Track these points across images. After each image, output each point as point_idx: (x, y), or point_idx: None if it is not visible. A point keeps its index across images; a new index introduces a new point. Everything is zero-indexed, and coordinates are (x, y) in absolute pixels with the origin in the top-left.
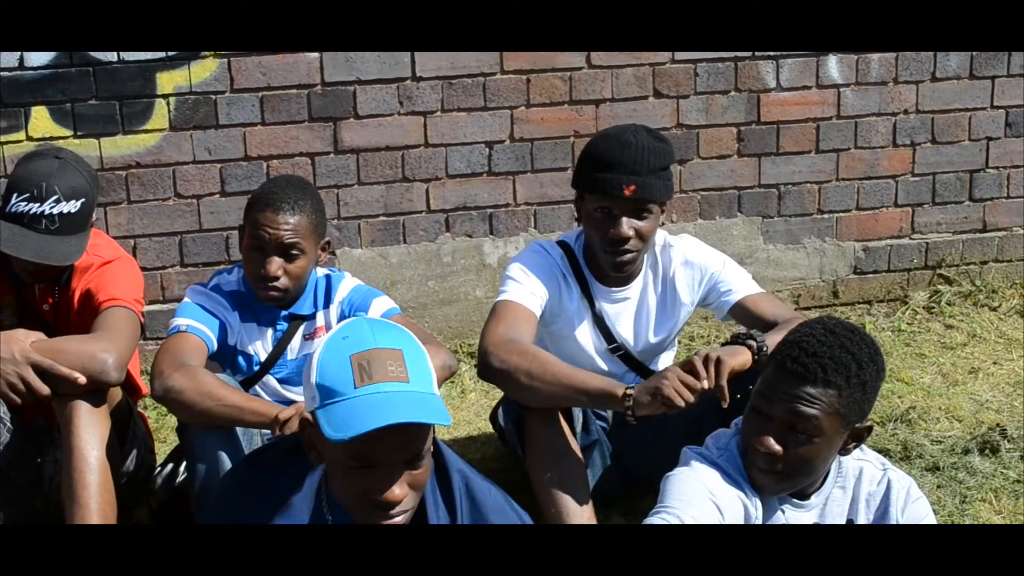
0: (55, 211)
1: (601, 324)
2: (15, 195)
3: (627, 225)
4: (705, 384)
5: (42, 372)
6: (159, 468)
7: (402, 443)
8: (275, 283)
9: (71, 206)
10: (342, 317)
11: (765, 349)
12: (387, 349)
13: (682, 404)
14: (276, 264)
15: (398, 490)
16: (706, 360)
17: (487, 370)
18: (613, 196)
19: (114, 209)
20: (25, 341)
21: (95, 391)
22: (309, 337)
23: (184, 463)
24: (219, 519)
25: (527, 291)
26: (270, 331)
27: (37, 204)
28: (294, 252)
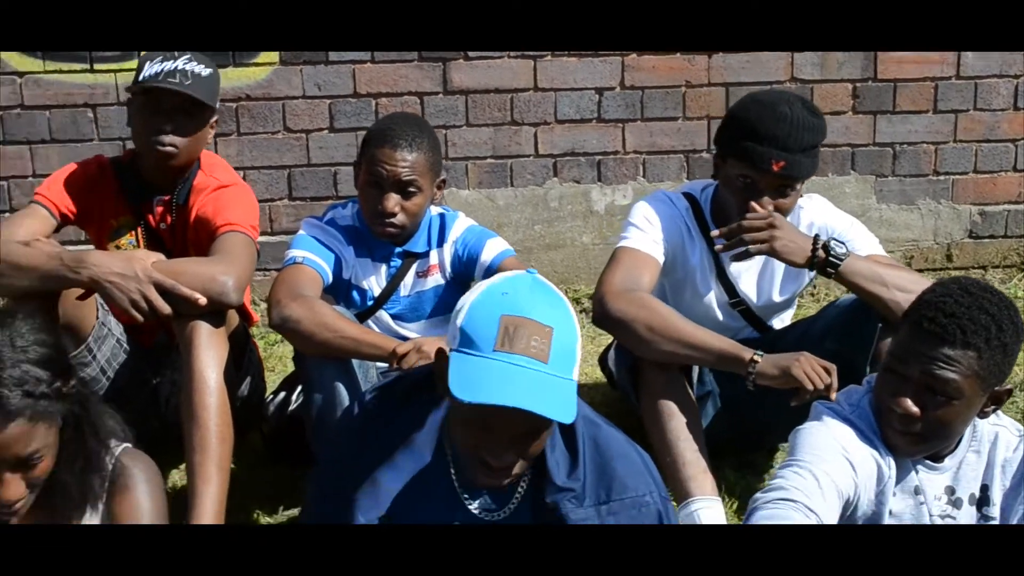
0: (188, 67)
1: (724, 279)
2: (147, 63)
3: (768, 200)
4: (834, 382)
5: (164, 292)
6: (271, 395)
7: (521, 421)
8: (392, 219)
9: (202, 69)
10: (455, 257)
11: None
12: (538, 323)
13: (811, 388)
14: (393, 201)
15: (508, 458)
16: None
17: (605, 319)
18: (760, 170)
19: (224, 141)
20: (147, 260)
21: (215, 313)
22: (422, 275)
23: (297, 391)
24: (340, 451)
25: (650, 239)
26: (384, 267)
27: (171, 62)
28: (411, 189)
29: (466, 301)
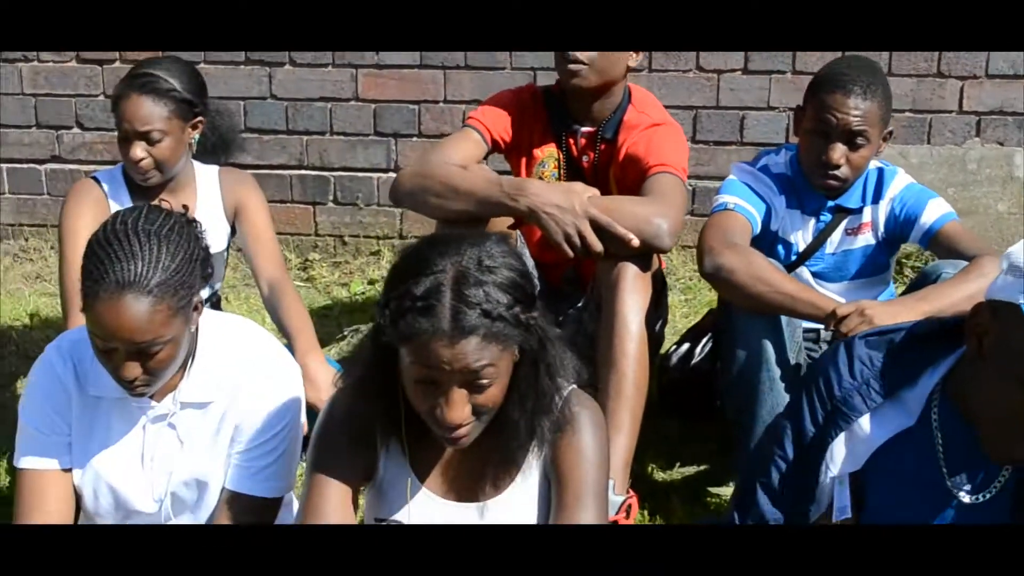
0: None
1: None
2: None
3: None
4: None
5: (598, 228)
6: (674, 346)
7: None
8: (835, 171)
9: None
10: (891, 215)
11: None
12: None
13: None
14: (839, 152)
15: None
16: None
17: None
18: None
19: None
20: (584, 194)
21: (643, 256)
22: (852, 232)
23: (702, 343)
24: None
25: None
26: (812, 221)
27: None
28: (859, 141)
29: (1017, 247)
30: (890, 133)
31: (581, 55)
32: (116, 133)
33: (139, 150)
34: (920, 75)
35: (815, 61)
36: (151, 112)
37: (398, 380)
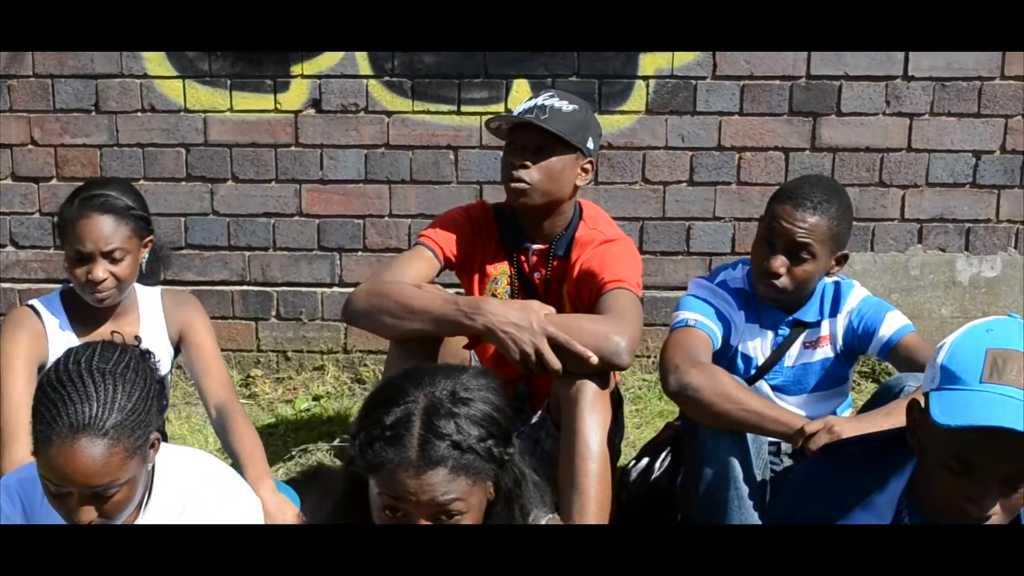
0: (548, 103)
1: None
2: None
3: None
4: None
5: (556, 346)
6: (633, 460)
7: (1007, 454)
8: (775, 281)
9: (564, 104)
10: (849, 328)
11: None
12: None
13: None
14: (780, 261)
15: (990, 504)
16: None
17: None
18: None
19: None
20: (540, 312)
21: (602, 374)
22: (810, 345)
23: (661, 458)
24: (791, 507)
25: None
26: (771, 334)
27: (534, 100)
28: (803, 255)
29: (946, 342)
30: (844, 257)
31: (525, 175)
32: (65, 254)
33: (101, 270)
34: (863, 184)
35: (759, 172)
36: (114, 231)
37: (368, 514)
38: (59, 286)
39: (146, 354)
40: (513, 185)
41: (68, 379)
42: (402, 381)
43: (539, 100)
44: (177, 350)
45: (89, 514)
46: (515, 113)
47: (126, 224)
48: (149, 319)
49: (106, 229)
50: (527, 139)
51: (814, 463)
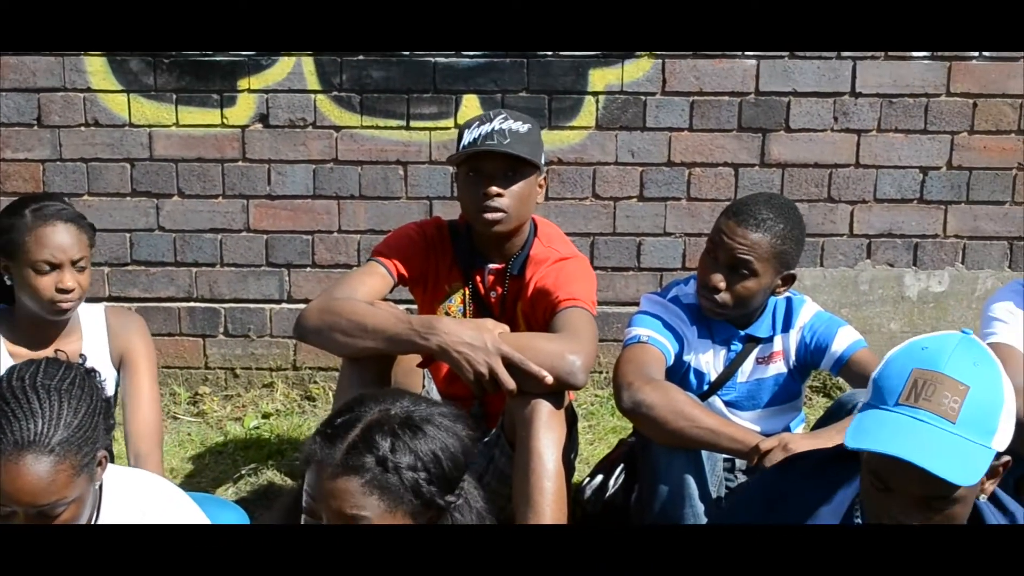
0: (504, 126)
1: None
2: (466, 131)
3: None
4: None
5: (510, 366)
6: (588, 478)
7: (918, 480)
8: (715, 295)
9: (519, 126)
10: (801, 344)
11: None
12: (953, 380)
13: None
14: (718, 276)
15: (915, 521)
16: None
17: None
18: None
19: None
20: (495, 331)
21: (557, 393)
22: (763, 361)
23: (615, 475)
24: (733, 520)
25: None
26: (723, 350)
27: (487, 125)
28: (743, 271)
29: (887, 355)
30: (791, 277)
31: (500, 203)
32: (15, 268)
33: (71, 279)
34: (812, 200)
35: (709, 188)
36: (78, 239)
37: None
38: None
39: (91, 372)
40: (488, 216)
41: (12, 396)
42: (372, 393)
43: (495, 124)
44: (120, 371)
45: None
46: (470, 139)
47: (84, 233)
48: (92, 338)
49: (72, 238)
50: (493, 167)
51: (760, 477)
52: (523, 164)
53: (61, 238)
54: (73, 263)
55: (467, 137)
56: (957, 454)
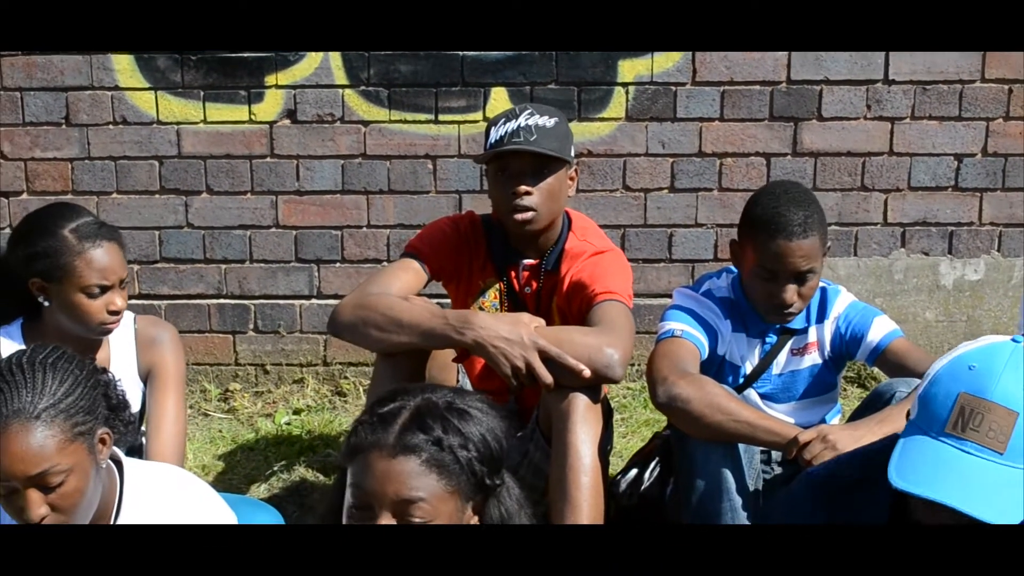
0: (530, 122)
1: None
2: (492, 128)
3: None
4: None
5: (547, 360)
6: (622, 472)
7: (955, 520)
8: (790, 309)
9: (546, 121)
10: (836, 334)
11: None
12: (1003, 408)
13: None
14: (791, 291)
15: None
16: None
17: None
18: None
19: None
20: (530, 325)
21: (594, 387)
22: (798, 352)
23: (651, 468)
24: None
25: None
26: (758, 343)
27: (512, 121)
28: (808, 276)
29: (933, 368)
30: (828, 248)
31: (529, 202)
32: (61, 288)
33: (120, 298)
34: (845, 189)
35: (741, 178)
36: (122, 258)
37: None
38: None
39: (96, 369)
40: (518, 216)
41: None
42: (408, 386)
43: (521, 121)
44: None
45: (38, 507)
46: (496, 137)
47: (123, 249)
48: (120, 349)
49: (118, 257)
50: (521, 164)
51: (807, 477)
52: (551, 160)
53: (111, 259)
54: (120, 283)
55: (493, 135)
56: (1004, 486)
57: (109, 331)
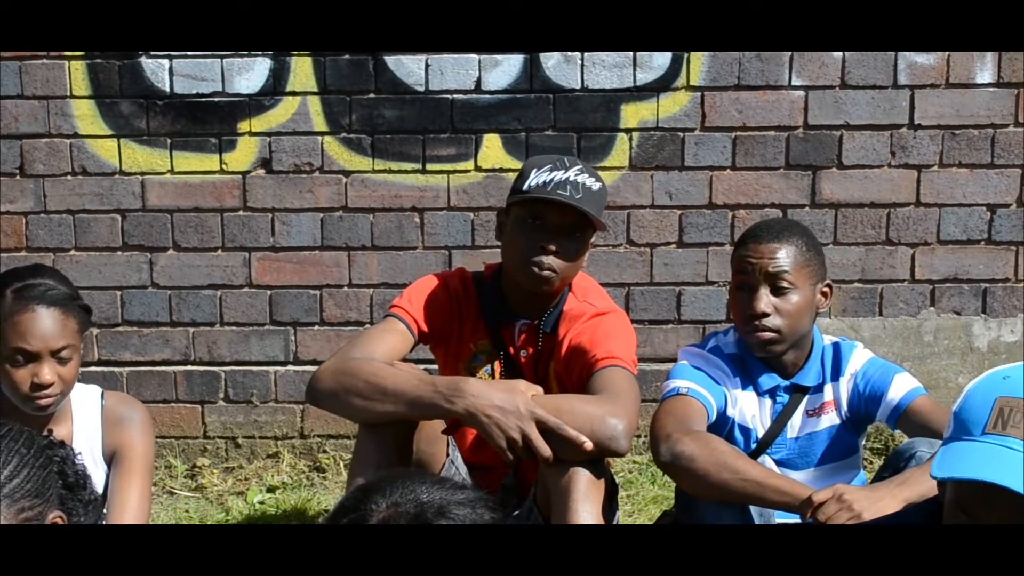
0: (579, 179)
1: None
2: (534, 171)
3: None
4: None
5: (545, 431)
6: None
7: (1000, 508)
8: (765, 321)
9: (593, 182)
10: (854, 392)
11: None
12: None
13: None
14: (764, 299)
15: None
16: None
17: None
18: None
19: None
20: (527, 393)
21: (596, 461)
22: (814, 413)
23: None
24: None
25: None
26: (769, 402)
27: (562, 172)
28: (783, 285)
29: (966, 388)
30: (828, 287)
31: (556, 262)
32: (1, 355)
33: (49, 372)
34: (868, 243)
35: None
36: (63, 326)
37: None
38: None
39: (51, 444)
40: (544, 273)
41: None
42: (380, 482)
43: (570, 175)
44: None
45: None
46: (538, 182)
47: (73, 318)
48: (84, 427)
49: (54, 325)
50: (561, 219)
51: None
52: (588, 225)
53: (41, 326)
54: (53, 353)
55: (534, 178)
56: None
57: (43, 408)
